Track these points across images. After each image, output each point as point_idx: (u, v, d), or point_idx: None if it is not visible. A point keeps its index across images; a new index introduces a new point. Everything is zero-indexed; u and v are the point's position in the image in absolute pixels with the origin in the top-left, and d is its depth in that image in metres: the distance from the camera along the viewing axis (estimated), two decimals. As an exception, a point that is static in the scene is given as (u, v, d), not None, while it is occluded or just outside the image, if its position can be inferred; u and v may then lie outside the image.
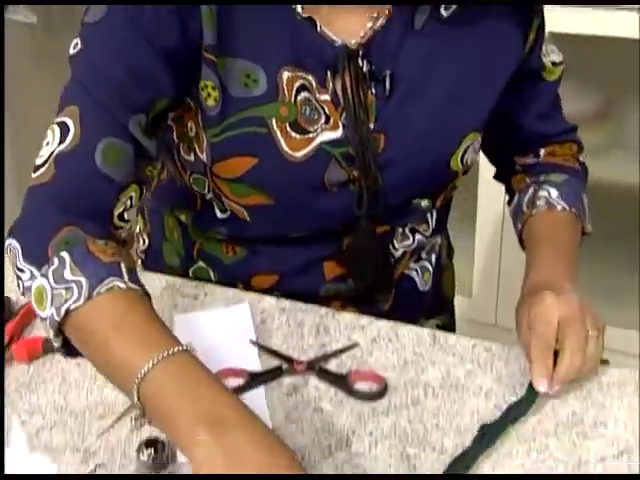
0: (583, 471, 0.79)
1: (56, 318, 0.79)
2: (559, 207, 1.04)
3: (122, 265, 0.82)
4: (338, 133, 0.93)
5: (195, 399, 0.72)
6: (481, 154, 1.13)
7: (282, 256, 1.04)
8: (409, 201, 1.01)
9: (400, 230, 1.05)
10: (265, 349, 0.95)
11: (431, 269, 1.14)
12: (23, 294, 0.86)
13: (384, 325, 0.98)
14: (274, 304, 1.02)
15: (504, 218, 1.88)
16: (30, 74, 2.28)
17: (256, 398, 0.88)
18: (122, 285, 0.80)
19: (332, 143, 0.93)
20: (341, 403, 0.88)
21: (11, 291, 1.03)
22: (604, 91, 1.98)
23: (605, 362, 0.91)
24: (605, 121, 2.00)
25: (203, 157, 0.94)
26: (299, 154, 0.92)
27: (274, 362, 0.93)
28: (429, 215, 1.08)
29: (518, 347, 0.93)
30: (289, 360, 0.93)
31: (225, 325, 0.98)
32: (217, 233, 1.06)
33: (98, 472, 0.81)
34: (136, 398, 0.74)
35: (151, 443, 0.81)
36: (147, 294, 0.83)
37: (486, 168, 1.31)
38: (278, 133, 0.91)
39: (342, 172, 0.94)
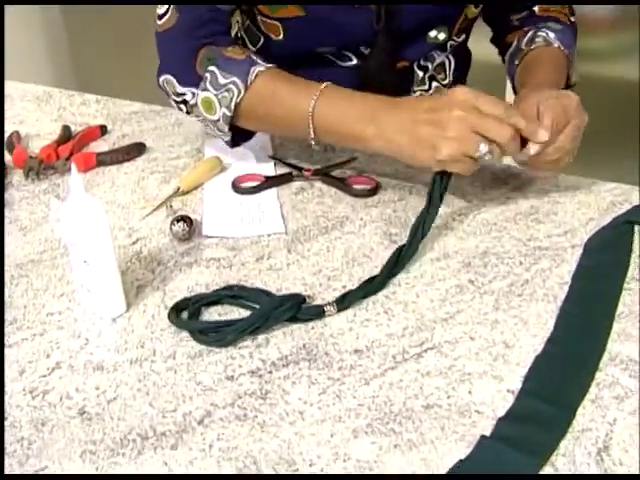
0: (531, 245, 0.96)
1: (228, 114, 1.05)
2: (556, 44, 1.17)
3: (252, 55, 1.07)
4: None
5: (353, 109, 1.00)
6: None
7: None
8: (425, 32, 1.16)
9: (420, 74, 1.20)
10: (279, 160, 1.14)
11: None
12: (188, 113, 1.10)
13: (382, 146, 1.15)
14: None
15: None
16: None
17: (268, 196, 1.07)
18: (262, 68, 1.05)
19: None
20: (339, 199, 1.06)
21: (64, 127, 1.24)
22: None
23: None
24: (629, 23, 2.10)
25: None
26: None
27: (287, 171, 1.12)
28: (447, 62, 1.23)
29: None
30: (299, 169, 1.11)
31: (247, 144, 1.16)
32: None
33: (139, 244, 1.01)
34: (312, 133, 1.02)
35: (182, 218, 1.01)
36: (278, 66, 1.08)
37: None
38: None
39: None
